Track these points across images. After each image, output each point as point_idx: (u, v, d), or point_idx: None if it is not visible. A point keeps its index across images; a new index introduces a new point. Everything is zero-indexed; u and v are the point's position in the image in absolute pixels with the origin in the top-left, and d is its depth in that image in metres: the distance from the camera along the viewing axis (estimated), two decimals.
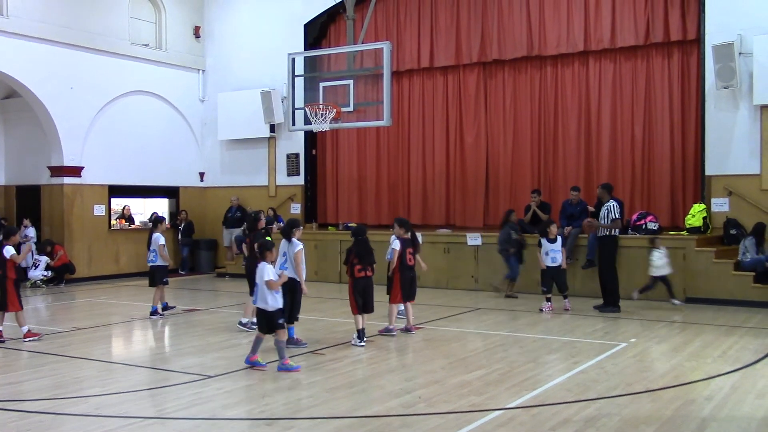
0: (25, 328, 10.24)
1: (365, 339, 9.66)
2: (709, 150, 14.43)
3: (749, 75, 13.84)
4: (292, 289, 9.27)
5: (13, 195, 18.68)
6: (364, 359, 8.93)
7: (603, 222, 12.46)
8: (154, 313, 12.26)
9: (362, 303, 9.74)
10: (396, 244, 10.36)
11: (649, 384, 7.60)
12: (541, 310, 12.44)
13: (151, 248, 12.37)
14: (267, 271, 8.21)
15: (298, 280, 9.39)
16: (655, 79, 15.50)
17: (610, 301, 12.42)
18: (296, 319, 9.69)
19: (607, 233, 12.48)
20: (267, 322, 8.28)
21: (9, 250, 10.20)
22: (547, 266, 12.54)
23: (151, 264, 12.43)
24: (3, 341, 10.13)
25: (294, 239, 9.47)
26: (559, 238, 12.72)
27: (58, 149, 17.44)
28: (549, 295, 12.59)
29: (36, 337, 10.22)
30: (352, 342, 9.66)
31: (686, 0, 14.96)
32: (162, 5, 19.83)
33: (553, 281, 12.63)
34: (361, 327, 9.67)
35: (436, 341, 10.06)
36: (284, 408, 6.86)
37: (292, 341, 9.41)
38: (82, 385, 7.87)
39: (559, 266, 12.58)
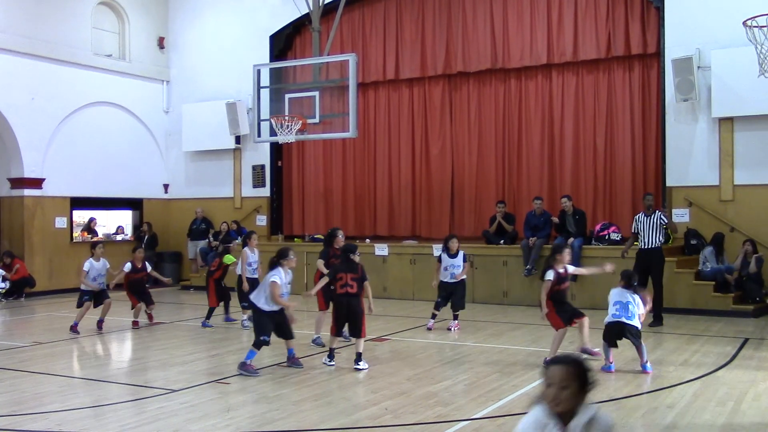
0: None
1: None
2: (670, 162, 14.69)
3: (708, 88, 14.13)
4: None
5: None
6: (331, 371, 8.88)
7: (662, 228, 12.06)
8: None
9: None
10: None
11: (612, 392, 7.68)
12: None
13: None
14: None
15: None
16: (617, 92, 15.75)
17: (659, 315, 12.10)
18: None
19: (657, 246, 12.13)
20: None
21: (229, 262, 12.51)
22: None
23: None
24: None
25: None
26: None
27: (18, 161, 17.14)
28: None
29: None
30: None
31: (646, 14, 15.26)
32: (125, 15, 19.64)
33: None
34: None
35: (402, 352, 10.06)
36: (249, 422, 6.80)
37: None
38: (43, 400, 7.71)
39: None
